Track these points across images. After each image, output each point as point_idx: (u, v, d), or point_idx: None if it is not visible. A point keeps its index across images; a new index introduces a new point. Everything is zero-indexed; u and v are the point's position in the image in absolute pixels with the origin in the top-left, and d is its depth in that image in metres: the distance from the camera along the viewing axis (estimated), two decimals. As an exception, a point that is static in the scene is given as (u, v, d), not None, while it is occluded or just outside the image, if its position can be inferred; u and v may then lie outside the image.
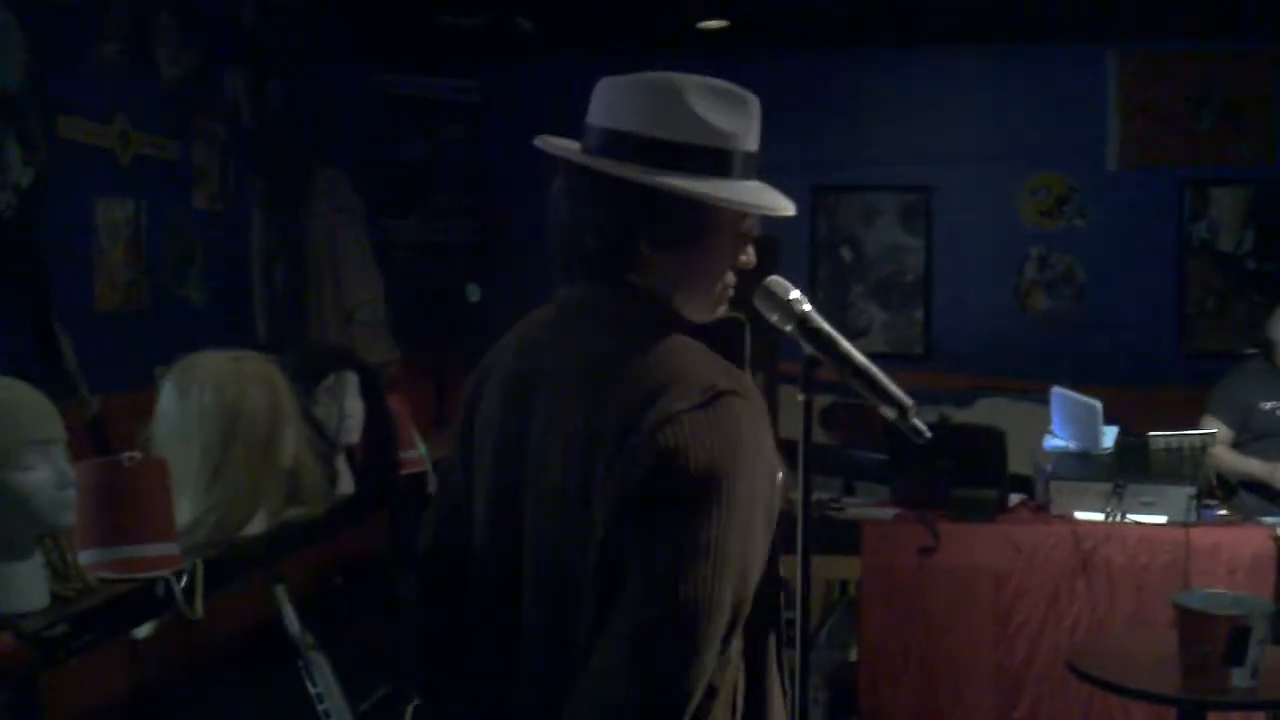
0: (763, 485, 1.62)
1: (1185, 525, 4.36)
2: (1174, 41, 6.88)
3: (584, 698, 1.57)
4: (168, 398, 2.63)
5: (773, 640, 1.75)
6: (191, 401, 2.62)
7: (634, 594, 1.55)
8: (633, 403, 1.60)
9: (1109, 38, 6.88)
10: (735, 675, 1.67)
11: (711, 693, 1.60)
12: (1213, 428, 4.92)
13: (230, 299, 5.40)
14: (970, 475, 4.59)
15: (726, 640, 1.59)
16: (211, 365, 2.67)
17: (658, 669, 1.53)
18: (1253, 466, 4.88)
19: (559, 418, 1.68)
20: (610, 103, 1.75)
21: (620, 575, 1.57)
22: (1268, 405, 4.92)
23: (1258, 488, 4.85)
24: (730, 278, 1.79)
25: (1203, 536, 4.33)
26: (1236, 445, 4.98)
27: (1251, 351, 5.16)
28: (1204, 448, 4.63)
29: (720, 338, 1.72)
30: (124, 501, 2.27)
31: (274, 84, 5.74)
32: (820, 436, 6.65)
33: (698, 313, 1.76)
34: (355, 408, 3.54)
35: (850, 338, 1.91)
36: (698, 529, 1.54)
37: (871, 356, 1.89)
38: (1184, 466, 4.56)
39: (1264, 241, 6.98)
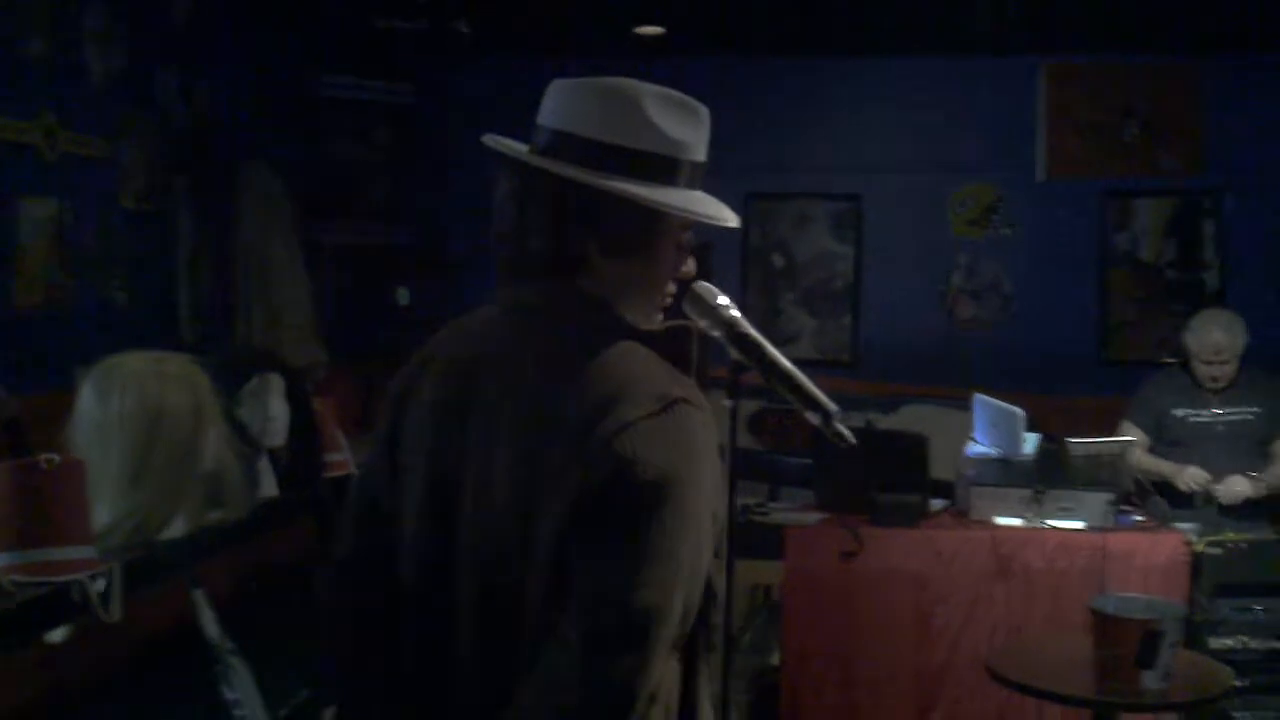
0: (710, 492, 1.64)
1: (1102, 531, 4.45)
2: (1102, 54, 6.99)
3: (533, 702, 1.57)
4: (88, 399, 2.60)
5: (703, 644, 1.76)
6: (112, 403, 2.59)
7: (586, 599, 1.56)
8: (585, 410, 1.60)
9: (1039, 50, 6.98)
10: (672, 680, 1.68)
11: (651, 698, 1.61)
12: (1131, 434, 5.02)
13: (156, 300, 5.34)
14: (893, 481, 4.65)
15: (673, 645, 1.61)
16: (133, 367, 2.64)
17: (609, 674, 1.54)
18: (1164, 468, 4.98)
19: (504, 421, 1.67)
20: (562, 104, 1.76)
21: (571, 580, 1.57)
22: (1181, 413, 5.03)
23: (1169, 490, 4.96)
24: (671, 286, 1.81)
25: (1119, 542, 4.42)
26: (1153, 451, 5.08)
27: (1169, 361, 5.27)
28: (1122, 454, 4.72)
29: (669, 345, 1.73)
30: (40, 504, 2.24)
31: (205, 84, 5.69)
32: (747, 441, 6.72)
33: (639, 319, 1.77)
34: (280, 410, 3.53)
35: (780, 344, 1.93)
36: (652, 536, 1.56)
37: (800, 363, 1.91)
38: (1102, 473, 4.65)
39: (1184, 252, 7.12)
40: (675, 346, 1.74)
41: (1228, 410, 4.98)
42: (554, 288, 1.73)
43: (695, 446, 1.61)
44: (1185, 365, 5.09)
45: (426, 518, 1.75)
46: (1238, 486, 4.83)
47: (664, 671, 1.62)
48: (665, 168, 1.72)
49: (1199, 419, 5.00)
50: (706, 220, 1.77)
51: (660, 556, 1.56)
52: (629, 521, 1.56)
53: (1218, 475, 4.86)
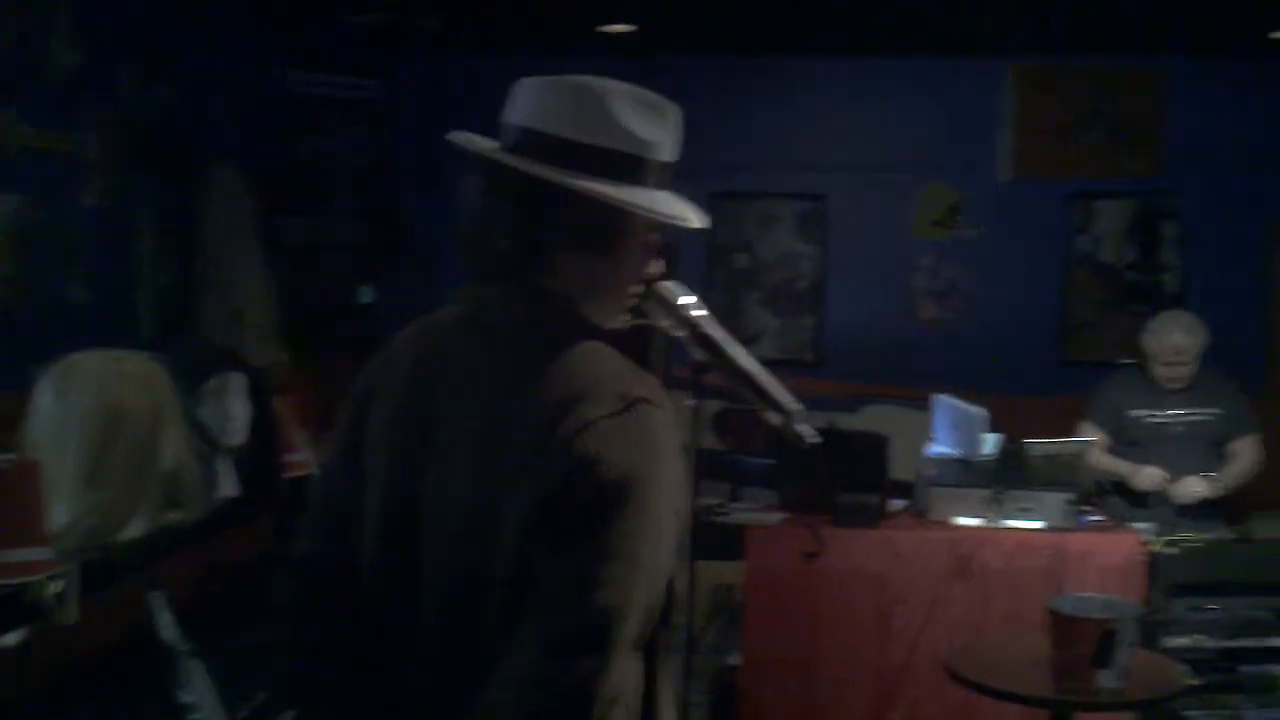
0: (673, 491, 1.64)
1: (1061, 531, 4.48)
2: (1066, 56, 7.04)
3: (495, 703, 1.57)
4: (45, 398, 2.59)
5: (665, 644, 1.76)
6: (70, 402, 2.58)
7: (549, 600, 1.56)
8: (548, 409, 1.60)
9: (1005, 52, 7.02)
10: (635, 680, 1.68)
11: (613, 699, 1.60)
12: (1090, 434, 5.07)
13: (116, 298, 5.30)
14: (854, 481, 4.67)
15: (635, 646, 1.61)
16: (92, 365, 2.63)
17: (570, 675, 1.54)
18: (1122, 468, 5.03)
19: (467, 421, 1.67)
20: (531, 102, 1.75)
21: (533, 580, 1.58)
22: (1139, 413, 5.08)
23: (1127, 490, 5.01)
24: (637, 287, 1.81)
25: (1077, 542, 4.46)
26: (1112, 451, 5.13)
27: (1128, 362, 5.32)
28: (1081, 455, 4.77)
29: (632, 344, 1.74)
30: (-4, 505, 2.24)
31: (168, 79, 5.65)
32: (709, 441, 6.73)
33: (605, 318, 1.77)
34: (240, 410, 3.51)
35: (743, 343, 1.94)
36: (614, 536, 1.56)
37: (763, 362, 1.92)
38: (1061, 473, 4.69)
39: (1144, 255, 7.18)
40: (638, 346, 1.75)
41: (1186, 411, 5.03)
42: (517, 286, 1.72)
43: (657, 446, 1.61)
44: (1144, 366, 5.14)
45: (388, 518, 1.74)
46: (1194, 487, 4.88)
47: (625, 672, 1.62)
48: (633, 167, 1.72)
49: (1157, 419, 5.05)
50: (673, 221, 1.77)
51: (621, 557, 1.56)
52: (590, 521, 1.56)
53: (1175, 475, 4.91)
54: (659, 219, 1.76)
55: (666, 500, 1.62)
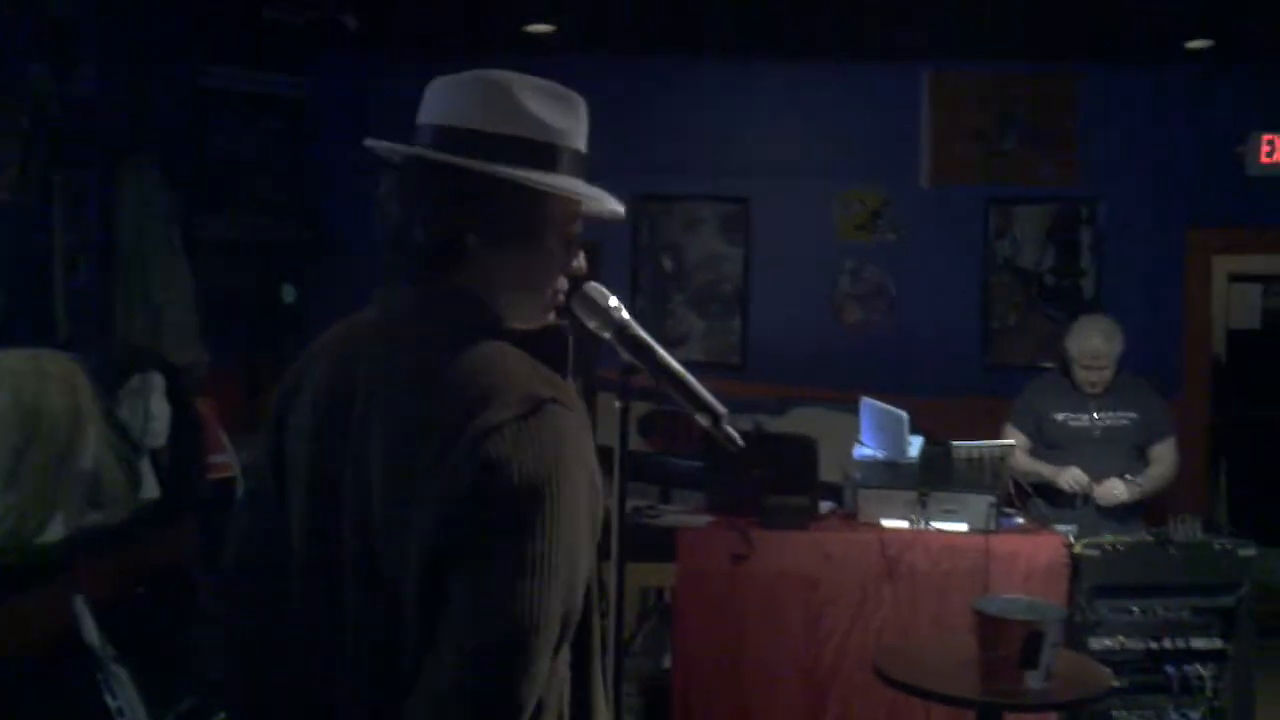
0: (587, 495, 1.61)
1: (985, 533, 4.52)
2: (983, 62, 7.13)
3: (417, 717, 1.54)
4: (-40, 398, 2.51)
5: (597, 648, 1.74)
6: (-14, 402, 2.50)
7: (461, 611, 1.53)
8: (453, 413, 1.57)
9: (924, 57, 7.10)
10: (562, 687, 1.66)
11: (540, 706, 1.59)
12: (1012, 437, 5.13)
13: (30, 296, 5.16)
14: (783, 483, 4.68)
15: (555, 652, 1.58)
16: (9, 364, 2.55)
17: (488, 688, 1.52)
18: (1044, 470, 5.10)
19: (377, 426, 1.64)
20: (440, 100, 1.75)
21: (445, 589, 1.55)
22: (1060, 416, 5.15)
23: (1048, 492, 5.07)
24: (561, 283, 1.79)
25: (1002, 544, 4.50)
26: (1033, 454, 5.19)
27: (1049, 366, 5.38)
28: (1004, 458, 4.82)
29: (542, 345, 1.71)
30: (-90, 507, 2.16)
31: (82, 73, 5.52)
32: (638, 443, 6.73)
33: (527, 317, 1.75)
34: (161, 410, 3.45)
35: (669, 346, 1.93)
36: (524, 542, 1.53)
37: (689, 365, 1.91)
38: (985, 476, 4.74)
39: (1062, 259, 7.29)
40: (551, 347, 1.72)
41: (1106, 415, 5.11)
42: (429, 286, 1.71)
43: (566, 449, 1.58)
44: (1065, 370, 5.20)
45: (309, 526, 1.73)
46: (1115, 490, 4.96)
47: (551, 678, 1.60)
48: (546, 154, 1.72)
49: (1078, 423, 5.12)
50: (586, 199, 1.76)
51: (534, 564, 1.53)
52: (500, 528, 1.53)
53: (1096, 478, 4.98)
54: (575, 198, 1.75)
55: (580, 504, 1.59)
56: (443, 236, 1.69)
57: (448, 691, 1.52)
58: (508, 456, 1.54)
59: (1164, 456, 5.12)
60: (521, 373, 1.63)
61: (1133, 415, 5.11)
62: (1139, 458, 5.11)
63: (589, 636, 1.72)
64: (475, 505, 1.53)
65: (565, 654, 1.65)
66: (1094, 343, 5.06)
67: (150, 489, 3.31)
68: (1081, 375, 5.10)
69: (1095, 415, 5.10)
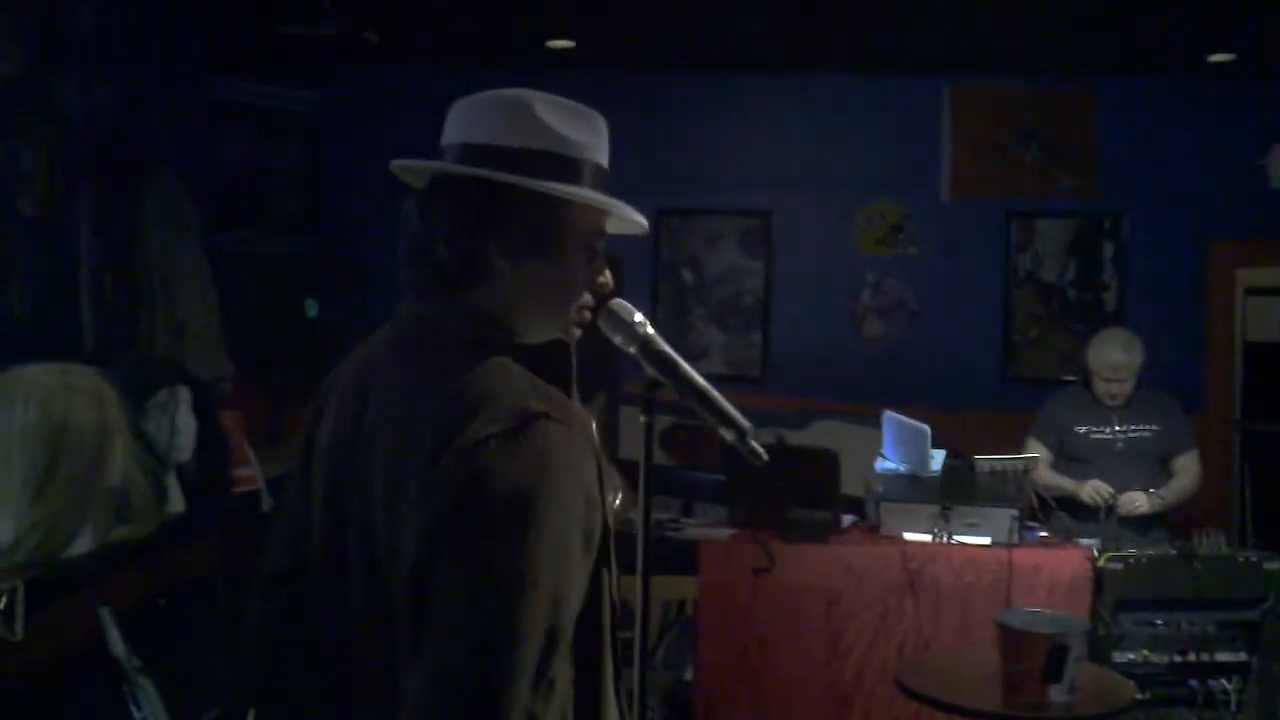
0: (578, 510, 1.59)
1: (1008, 546, 4.51)
2: (1005, 76, 7.13)
3: None
4: (-11, 411, 2.53)
5: (609, 665, 1.73)
6: (14, 416, 2.52)
7: (439, 626, 1.53)
8: (442, 426, 1.58)
9: (945, 71, 7.10)
10: (564, 703, 1.65)
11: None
12: (1035, 451, 5.11)
13: (57, 310, 5.20)
14: (804, 497, 4.68)
15: (544, 669, 1.56)
16: (36, 379, 2.57)
17: (465, 704, 1.50)
18: (1065, 483, 5.08)
19: (380, 441, 1.67)
20: (462, 120, 1.78)
21: (429, 603, 1.55)
22: (1082, 429, 5.13)
23: (1070, 505, 5.05)
24: (586, 299, 1.80)
25: (1024, 557, 4.49)
26: (1055, 467, 5.18)
27: (1071, 379, 5.37)
28: (1026, 471, 4.81)
29: (545, 360, 1.71)
30: (-61, 521, 2.18)
31: (109, 88, 5.56)
32: (660, 457, 6.72)
33: (549, 332, 1.76)
34: (187, 424, 3.47)
35: (690, 359, 1.94)
36: (504, 557, 1.52)
37: (710, 378, 1.92)
38: (1007, 489, 4.73)
39: (1084, 272, 7.27)
40: (554, 362, 1.72)
41: (1127, 427, 5.09)
42: (443, 302, 1.72)
43: (554, 463, 1.57)
44: (1088, 383, 5.19)
45: (324, 539, 1.76)
46: (1136, 501, 4.94)
47: (548, 695, 1.59)
48: (568, 168, 1.74)
49: (1100, 435, 5.11)
50: (607, 208, 1.77)
51: (514, 579, 1.51)
52: (480, 542, 1.53)
53: (1118, 490, 4.96)
54: (598, 207, 1.76)
55: (568, 519, 1.58)
56: (465, 252, 1.71)
57: (425, 709, 1.51)
58: (492, 470, 1.53)
59: (1187, 469, 5.10)
60: (517, 387, 1.62)
61: (1154, 428, 5.09)
62: (1161, 470, 5.09)
63: (598, 655, 1.70)
64: (454, 519, 1.53)
65: (566, 671, 1.64)
66: (1114, 355, 5.05)
67: (176, 503, 3.33)
68: (1102, 388, 5.09)
69: (1117, 428, 5.09)
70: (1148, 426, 5.10)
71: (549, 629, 1.55)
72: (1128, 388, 5.07)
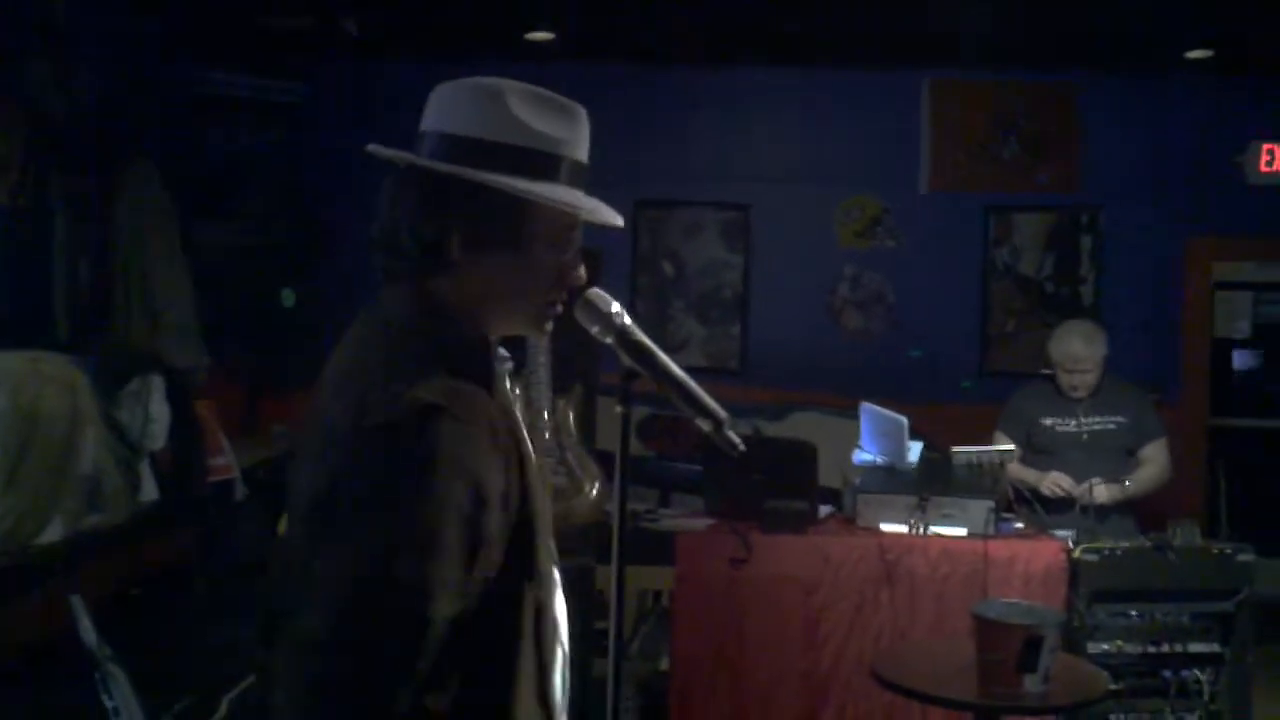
0: (458, 507, 1.56)
1: (984, 538, 4.52)
2: (983, 71, 7.14)
3: (277, 703, 1.55)
4: (-41, 399, 2.52)
5: (524, 677, 1.69)
6: (-15, 403, 2.51)
7: (304, 605, 1.54)
8: (339, 415, 1.60)
9: (924, 65, 7.11)
10: (453, 708, 1.61)
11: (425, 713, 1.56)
12: (1003, 443, 5.12)
13: (30, 298, 5.16)
14: (782, 487, 4.68)
15: (408, 661, 1.53)
16: (8, 366, 2.57)
17: (321, 682, 1.51)
18: (1028, 475, 5.10)
19: (308, 428, 1.70)
20: (438, 107, 1.76)
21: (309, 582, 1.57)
22: (1048, 421, 5.15)
23: (1037, 497, 5.07)
24: (557, 293, 1.79)
25: (1000, 549, 4.50)
26: (1023, 460, 5.19)
27: (1046, 373, 5.38)
28: (1002, 463, 4.82)
29: (461, 354, 1.69)
30: (-92, 507, 2.17)
31: (84, 75, 5.52)
32: (637, 448, 6.73)
33: (517, 325, 1.76)
34: (161, 412, 3.46)
35: (669, 351, 1.93)
36: (367, 544, 1.52)
37: (689, 370, 1.91)
38: (984, 481, 4.74)
39: (1062, 267, 7.30)
40: (472, 357, 1.70)
41: (1093, 419, 5.11)
42: (401, 290, 1.72)
43: (436, 455, 1.55)
44: (1054, 376, 5.21)
45: (287, 528, 1.76)
46: (1096, 490, 4.95)
47: (435, 694, 1.57)
48: (537, 162, 1.72)
49: (1066, 428, 5.12)
50: (575, 211, 1.75)
51: (370, 565, 1.51)
52: (345, 527, 1.53)
53: (1084, 481, 4.96)
54: (560, 208, 1.73)
55: (442, 516, 1.55)
56: (427, 241, 1.70)
57: (283, 675, 1.54)
58: (362, 459, 1.55)
59: (1154, 458, 5.12)
60: (413, 377, 1.60)
61: (1121, 419, 5.11)
62: (1129, 462, 5.11)
63: (511, 665, 1.67)
64: (329, 504, 1.56)
65: (454, 674, 1.60)
66: (1074, 347, 5.07)
67: (149, 491, 3.32)
68: (1065, 380, 5.11)
69: (1082, 419, 5.11)
70: (1113, 418, 5.11)
71: (412, 620, 1.52)
72: (1090, 379, 5.08)
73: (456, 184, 1.69)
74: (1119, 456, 5.10)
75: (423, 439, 1.55)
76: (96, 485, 2.64)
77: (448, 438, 1.56)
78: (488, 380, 1.69)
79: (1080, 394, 5.10)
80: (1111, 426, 5.11)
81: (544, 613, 1.72)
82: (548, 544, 1.74)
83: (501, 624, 1.65)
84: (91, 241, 5.57)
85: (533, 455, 1.73)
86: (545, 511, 1.74)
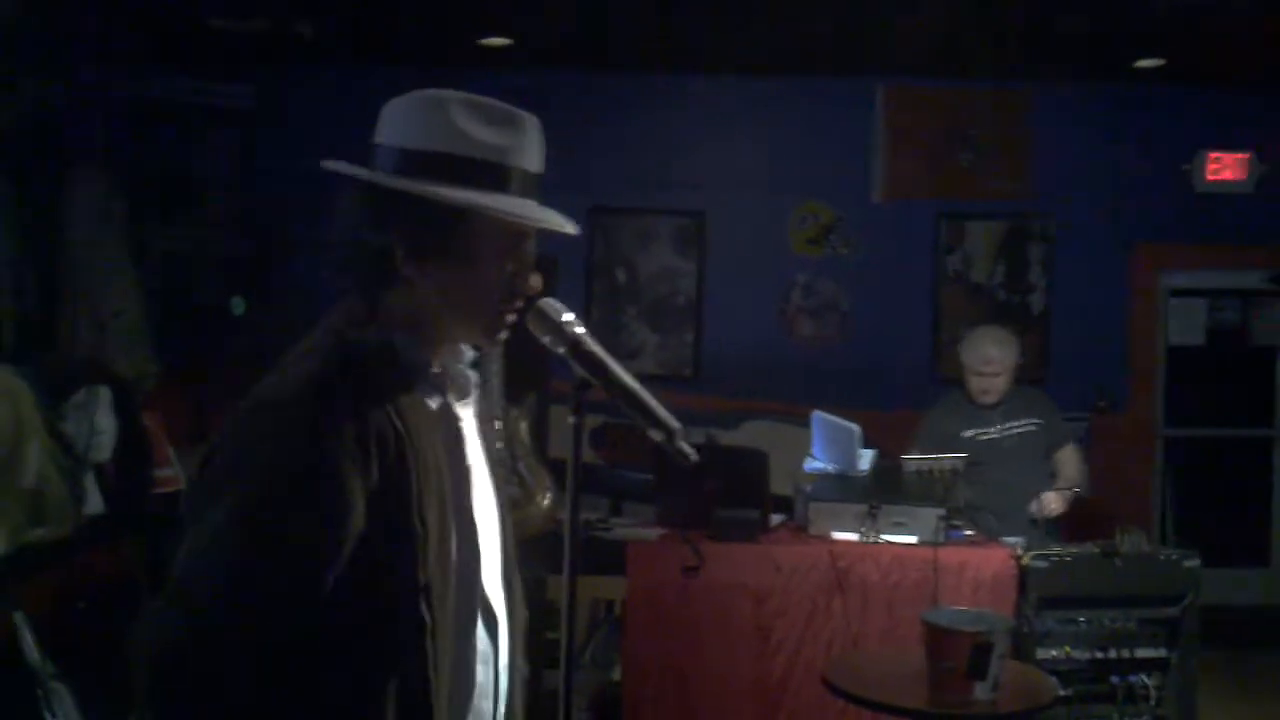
0: (283, 508, 1.59)
1: (934, 545, 4.54)
2: (937, 78, 7.19)
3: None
4: (-101, 411, 2.48)
5: (440, 680, 1.69)
6: (-74, 415, 2.47)
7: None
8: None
9: (878, 72, 7.15)
10: (321, 704, 1.63)
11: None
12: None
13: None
14: (734, 496, 4.68)
15: (247, 644, 1.58)
16: (-51, 377, 2.52)
17: (150, 685, 1.55)
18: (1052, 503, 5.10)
19: None
20: (389, 120, 1.76)
21: None
22: (968, 433, 5.14)
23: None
24: (509, 303, 1.78)
25: (950, 556, 4.52)
26: None
27: (955, 381, 5.40)
28: (953, 471, 4.84)
29: (378, 363, 1.70)
30: None
31: (30, 82, 5.46)
32: (590, 457, 6.72)
33: (468, 336, 1.76)
34: (107, 423, 3.42)
35: (622, 358, 1.93)
36: (198, 533, 1.58)
37: (642, 378, 1.91)
38: (934, 489, 4.76)
39: (1013, 274, 7.36)
40: (375, 366, 1.70)
41: (1011, 424, 5.14)
42: (349, 305, 1.73)
43: (268, 455, 1.60)
44: (963, 386, 5.24)
45: None
46: (1051, 504, 4.99)
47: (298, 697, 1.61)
48: (487, 173, 1.71)
49: (987, 436, 5.14)
50: (519, 220, 1.74)
51: (200, 553, 1.58)
52: (189, 516, 1.60)
53: (1014, 488, 4.98)
54: (504, 219, 1.73)
55: (268, 514, 1.58)
56: (371, 254, 1.70)
57: (138, 641, 1.57)
58: (211, 454, 1.64)
59: (1071, 459, 5.19)
60: (283, 382, 1.65)
61: (1037, 421, 5.15)
62: (1048, 464, 5.16)
63: (385, 671, 1.66)
64: (186, 494, 1.66)
65: (311, 669, 1.63)
66: (986, 349, 5.11)
67: (95, 504, 3.28)
68: (975, 384, 5.14)
69: (1000, 426, 5.14)
70: (1030, 420, 5.15)
71: (227, 625, 1.56)
72: (1000, 383, 5.11)
73: (399, 197, 1.68)
74: (1040, 459, 5.15)
75: (259, 439, 1.61)
76: (40, 498, 2.60)
77: (279, 438, 1.61)
78: (384, 388, 1.68)
79: (990, 398, 5.12)
80: (1031, 428, 5.14)
81: (429, 627, 1.68)
82: (448, 564, 1.72)
83: (376, 627, 1.65)
84: (38, 250, 5.51)
85: (433, 467, 1.71)
86: (444, 523, 1.72)
